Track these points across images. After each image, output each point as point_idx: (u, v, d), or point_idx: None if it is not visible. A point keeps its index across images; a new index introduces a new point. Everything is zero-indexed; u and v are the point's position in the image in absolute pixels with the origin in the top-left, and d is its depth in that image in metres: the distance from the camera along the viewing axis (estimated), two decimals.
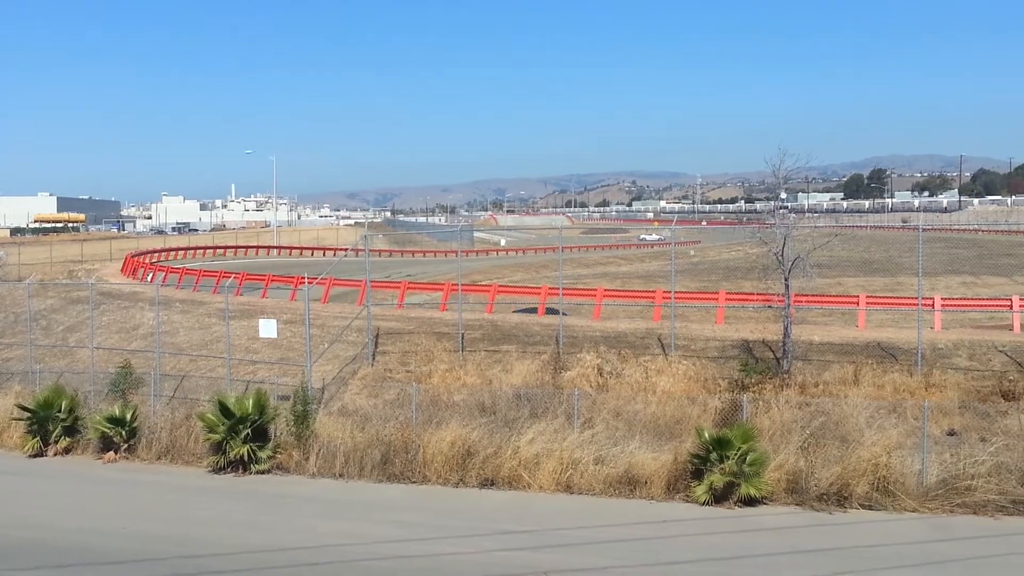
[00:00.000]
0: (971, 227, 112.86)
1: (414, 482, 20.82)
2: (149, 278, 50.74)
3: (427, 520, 18.26)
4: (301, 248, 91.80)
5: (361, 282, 34.58)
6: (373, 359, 29.06)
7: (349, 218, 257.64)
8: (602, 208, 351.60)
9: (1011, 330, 30.06)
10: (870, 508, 18.46)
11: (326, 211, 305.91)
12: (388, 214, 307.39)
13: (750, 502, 18.76)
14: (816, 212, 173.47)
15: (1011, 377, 24.68)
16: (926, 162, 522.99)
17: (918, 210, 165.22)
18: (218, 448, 22.28)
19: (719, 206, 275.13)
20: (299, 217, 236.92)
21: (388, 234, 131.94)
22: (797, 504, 18.78)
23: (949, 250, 67.11)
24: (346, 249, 53.07)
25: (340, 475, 21.37)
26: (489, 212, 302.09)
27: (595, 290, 37.06)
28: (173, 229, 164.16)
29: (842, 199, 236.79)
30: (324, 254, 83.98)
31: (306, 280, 30.30)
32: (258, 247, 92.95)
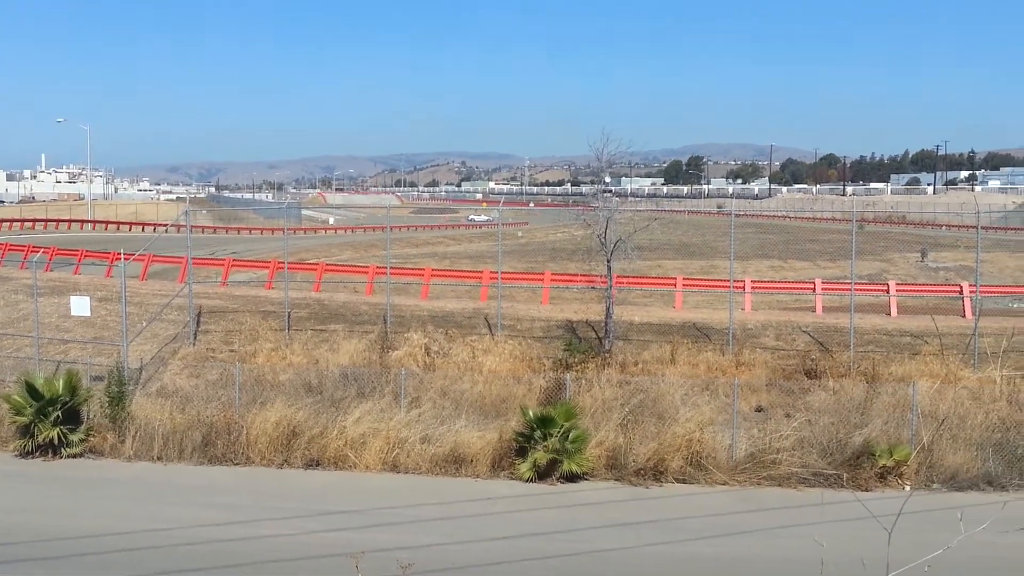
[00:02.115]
0: (780, 213, 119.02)
1: (237, 464, 20.39)
2: None
3: (251, 502, 17.95)
4: (118, 223, 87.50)
5: (183, 259, 33.40)
6: (195, 338, 28.18)
7: (171, 192, 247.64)
8: (432, 188, 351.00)
9: (814, 312, 32.00)
10: (684, 482, 19.36)
11: (146, 185, 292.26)
12: (212, 189, 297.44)
13: (572, 478, 19.32)
14: (638, 196, 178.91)
15: (813, 356, 26.30)
16: (740, 151, 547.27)
17: (732, 196, 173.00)
18: (25, 431, 21.15)
19: (547, 188, 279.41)
20: (116, 191, 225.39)
21: (212, 210, 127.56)
22: (616, 479, 19.48)
23: (760, 235, 70.63)
24: (167, 225, 50.93)
25: (159, 458, 20.69)
26: (318, 190, 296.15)
27: (423, 270, 37.13)
28: None
29: (663, 184, 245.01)
30: (143, 229, 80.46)
31: (122, 256, 28.98)
32: (71, 220, 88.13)
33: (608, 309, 27.04)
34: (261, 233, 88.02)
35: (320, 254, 51.53)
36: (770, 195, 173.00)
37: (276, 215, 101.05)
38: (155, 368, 26.18)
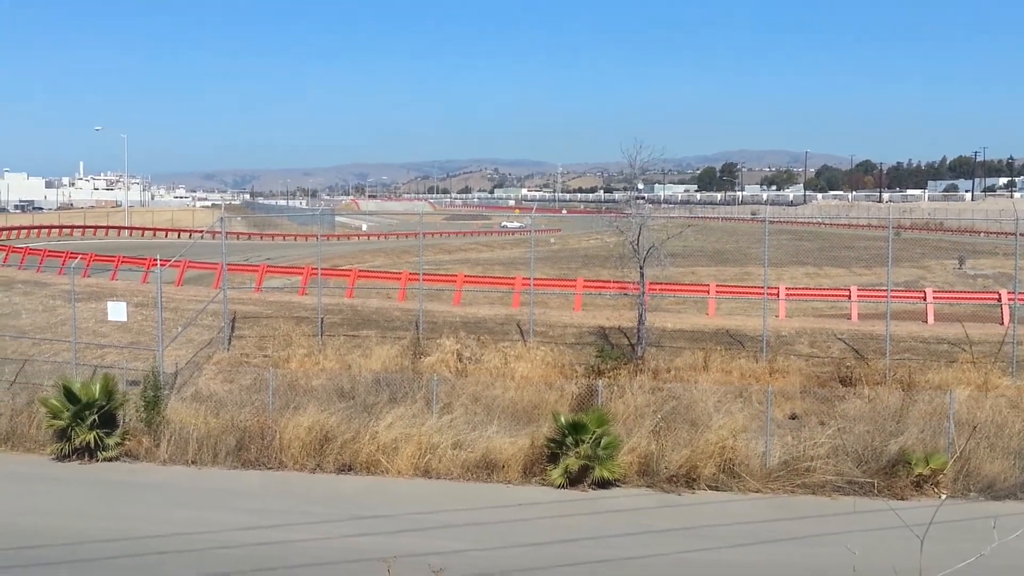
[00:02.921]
0: (815, 220, 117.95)
1: (270, 468, 20.52)
2: None
3: (283, 506, 18.05)
4: (155, 229, 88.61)
5: (218, 265, 33.71)
6: (229, 343, 28.42)
7: (206, 199, 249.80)
8: (464, 195, 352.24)
9: (849, 319, 31.72)
10: (717, 489, 19.23)
11: (182, 192, 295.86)
12: (247, 196, 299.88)
13: (604, 484, 19.26)
14: (671, 203, 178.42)
15: (848, 364, 26.05)
16: (774, 157, 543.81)
17: (766, 203, 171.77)
18: (63, 435, 21.41)
19: (579, 195, 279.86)
20: (153, 198, 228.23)
21: (247, 216, 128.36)
22: (648, 486, 19.39)
23: (794, 242, 70.11)
24: (202, 231, 51.47)
25: (193, 462, 20.87)
26: (351, 196, 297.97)
27: (456, 276, 37.20)
28: (15, 207, 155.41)
29: (696, 191, 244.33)
30: (179, 236, 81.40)
31: (159, 262, 29.32)
32: (108, 227, 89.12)
33: (641, 315, 26.96)
34: (295, 239, 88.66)
35: (353, 260, 51.85)
36: (805, 202, 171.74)
37: (309, 221, 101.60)
38: (190, 373, 26.44)
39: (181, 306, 31.67)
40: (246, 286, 37.12)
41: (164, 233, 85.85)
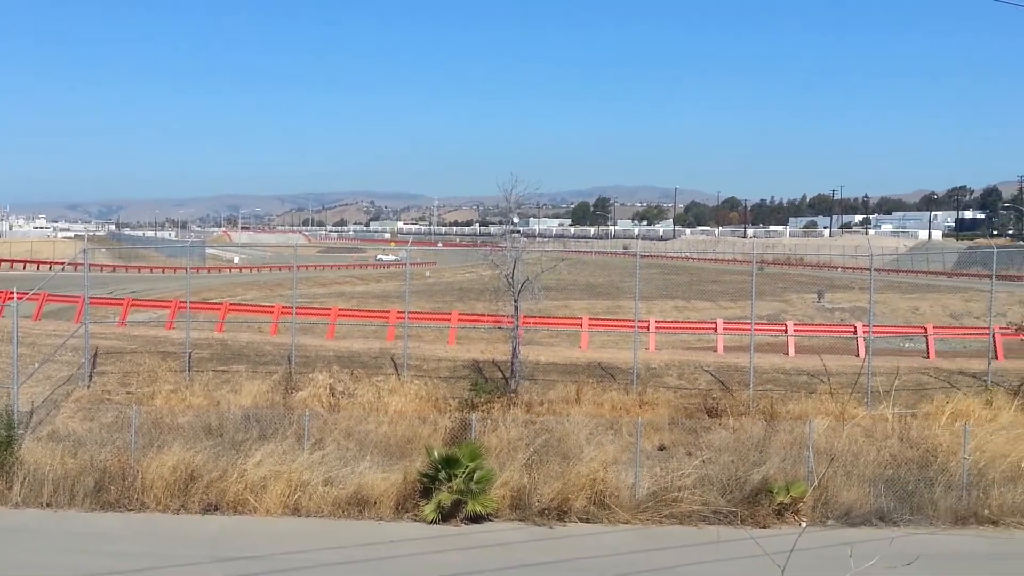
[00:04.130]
0: (684, 255, 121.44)
1: (131, 510, 19.77)
2: None
3: (146, 549, 17.43)
4: (12, 261, 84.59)
5: (79, 298, 32.46)
6: (90, 380, 27.36)
7: (69, 230, 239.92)
8: (340, 227, 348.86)
9: (715, 351, 32.67)
10: (588, 521, 19.48)
11: (42, 222, 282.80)
12: (113, 227, 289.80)
13: (476, 519, 19.27)
14: (546, 237, 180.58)
15: (714, 395, 26.84)
16: (645, 193, 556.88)
17: (637, 237, 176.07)
18: None
19: (455, 228, 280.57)
20: (10, 228, 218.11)
21: (113, 248, 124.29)
22: (520, 520, 19.49)
23: (664, 276, 71.96)
24: (64, 263, 49.41)
25: (48, 504, 19.94)
26: (223, 228, 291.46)
27: (330, 309, 36.81)
28: None
29: (570, 225, 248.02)
30: (39, 268, 77.95)
31: (15, 294, 28.03)
32: None
33: (515, 349, 27.17)
34: (163, 272, 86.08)
35: (224, 293, 50.65)
36: (674, 236, 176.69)
37: (179, 253, 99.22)
38: (47, 411, 25.32)
39: (39, 341, 30.35)
40: (110, 320, 35.87)
41: (22, 265, 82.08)
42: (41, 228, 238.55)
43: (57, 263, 69.73)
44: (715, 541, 16.72)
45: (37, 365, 27.45)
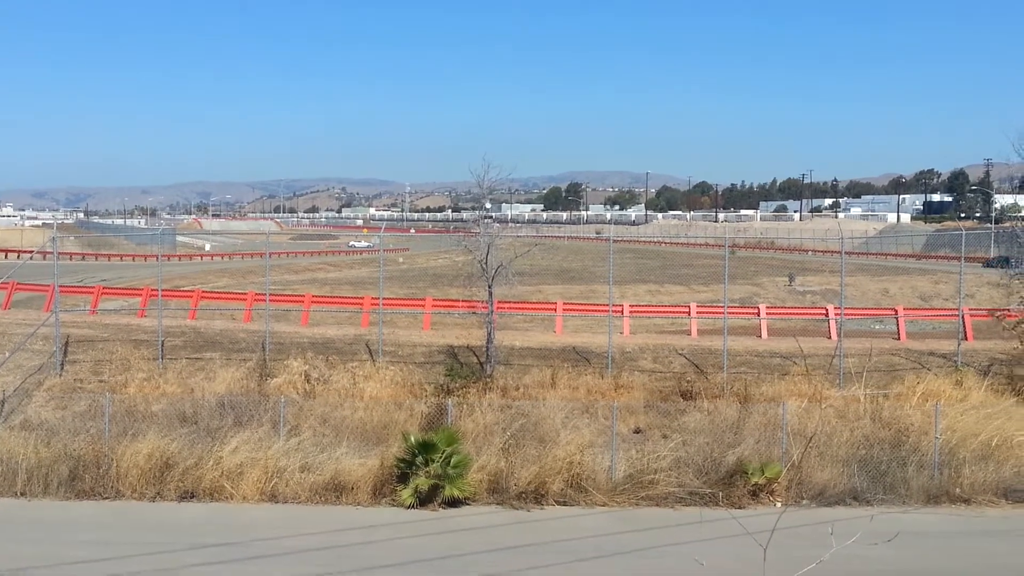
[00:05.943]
0: (656, 239, 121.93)
1: (106, 498, 19.63)
2: None
3: (122, 537, 17.30)
4: None
5: (49, 287, 32.10)
6: (62, 368, 27.08)
7: (36, 219, 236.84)
8: (312, 214, 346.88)
9: (689, 335, 32.85)
10: (565, 504, 19.56)
11: (9, 211, 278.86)
12: (81, 215, 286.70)
13: (454, 503, 19.29)
14: (519, 222, 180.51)
15: (689, 378, 26.97)
16: (617, 178, 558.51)
17: (610, 222, 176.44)
18: None
19: (427, 214, 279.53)
20: None
21: (81, 236, 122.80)
22: (498, 503, 19.55)
23: (637, 260, 72.15)
24: (32, 252, 48.86)
25: (22, 494, 19.76)
26: (193, 216, 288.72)
27: (303, 296, 36.64)
28: None
29: (543, 210, 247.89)
30: (6, 256, 76.94)
31: None
32: None
33: (489, 334, 27.18)
34: (133, 260, 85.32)
35: (196, 280, 50.27)
36: (647, 221, 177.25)
37: (149, 241, 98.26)
38: (18, 400, 25.06)
39: (8, 330, 29.98)
40: (80, 308, 35.49)
41: None
42: (8, 216, 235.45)
43: (26, 252, 68.95)
44: (694, 522, 16.83)
45: (7, 354, 27.14)
